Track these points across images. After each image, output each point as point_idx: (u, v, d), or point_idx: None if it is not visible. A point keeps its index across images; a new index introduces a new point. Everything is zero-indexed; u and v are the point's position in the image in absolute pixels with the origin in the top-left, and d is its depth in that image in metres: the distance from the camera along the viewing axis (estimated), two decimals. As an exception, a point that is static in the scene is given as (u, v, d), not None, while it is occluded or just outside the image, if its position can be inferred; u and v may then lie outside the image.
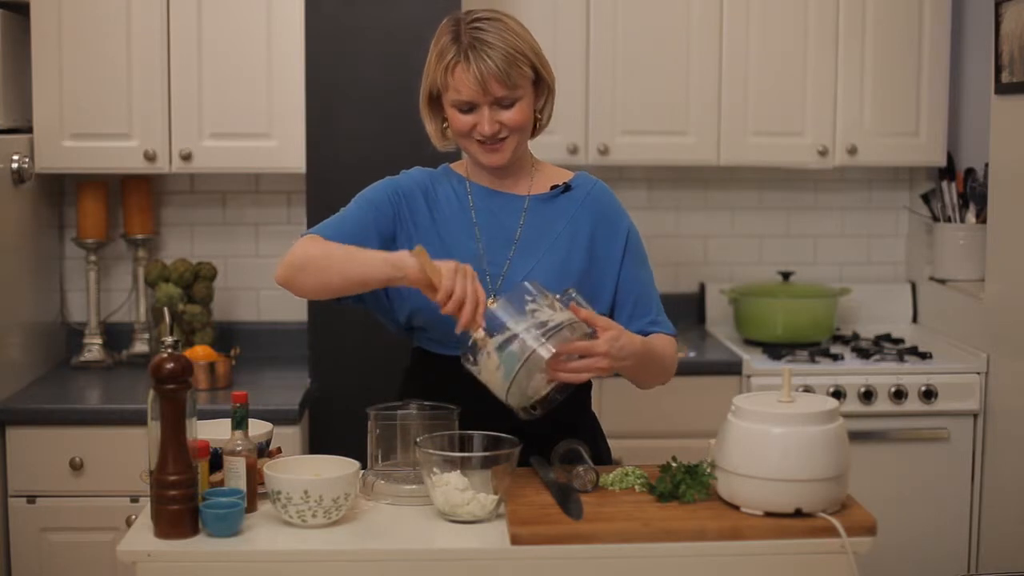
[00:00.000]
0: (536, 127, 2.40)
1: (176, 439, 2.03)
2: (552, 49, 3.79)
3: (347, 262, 2.19)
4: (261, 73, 3.55)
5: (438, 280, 2.08)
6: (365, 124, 3.40)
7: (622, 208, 2.45)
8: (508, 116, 2.29)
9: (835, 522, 2.00)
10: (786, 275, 4.07)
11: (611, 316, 2.33)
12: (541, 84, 2.35)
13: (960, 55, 3.94)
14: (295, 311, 3.83)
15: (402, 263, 2.12)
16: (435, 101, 2.36)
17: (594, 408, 2.54)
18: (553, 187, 2.41)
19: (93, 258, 3.75)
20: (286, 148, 3.55)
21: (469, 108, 2.29)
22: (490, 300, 2.20)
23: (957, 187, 3.92)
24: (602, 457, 2.46)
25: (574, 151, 3.79)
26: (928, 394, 3.57)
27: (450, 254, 2.31)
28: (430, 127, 2.40)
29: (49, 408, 3.27)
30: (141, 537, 2.03)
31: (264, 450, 2.27)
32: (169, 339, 2.06)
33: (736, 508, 2.07)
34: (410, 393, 2.39)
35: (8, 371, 3.37)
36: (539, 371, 2.11)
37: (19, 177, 3.41)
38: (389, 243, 2.34)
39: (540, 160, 2.48)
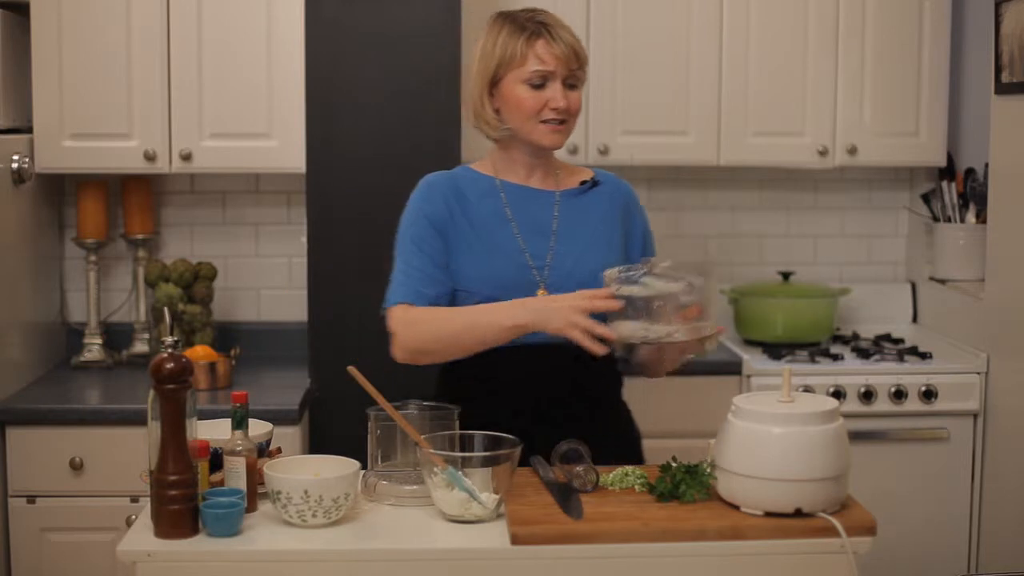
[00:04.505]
0: None
1: (176, 439, 2.03)
2: (552, 49, 3.81)
3: (470, 337, 2.30)
4: (261, 73, 3.55)
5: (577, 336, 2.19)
6: (365, 124, 3.40)
7: (642, 206, 2.56)
8: (573, 97, 2.39)
9: (835, 522, 2.00)
10: (786, 275, 4.07)
11: None
12: (584, 79, 2.46)
13: (960, 55, 3.94)
14: (295, 311, 3.83)
15: (525, 324, 2.23)
16: (493, 85, 2.41)
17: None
18: (582, 182, 2.49)
19: (93, 258, 3.75)
20: (286, 148, 3.55)
21: (542, 83, 2.35)
22: (540, 291, 2.34)
23: (957, 187, 3.92)
24: (634, 447, 2.53)
25: (574, 151, 3.79)
26: (928, 394, 3.57)
27: (493, 250, 2.38)
28: (489, 110, 2.43)
29: (49, 408, 3.27)
30: (141, 537, 2.03)
31: (264, 450, 2.27)
32: (169, 339, 2.06)
33: (736, 508, 2.07)
34: (449, 382, 2.45)
35: (8, 371, 3.37)
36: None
37: (19, 177, 3.41)
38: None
39: (562, 162, 2.56)
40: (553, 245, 2.41)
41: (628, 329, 2.16)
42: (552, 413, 2.39)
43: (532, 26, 2.37)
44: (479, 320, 2.29)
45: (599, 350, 2.17)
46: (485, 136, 2.51)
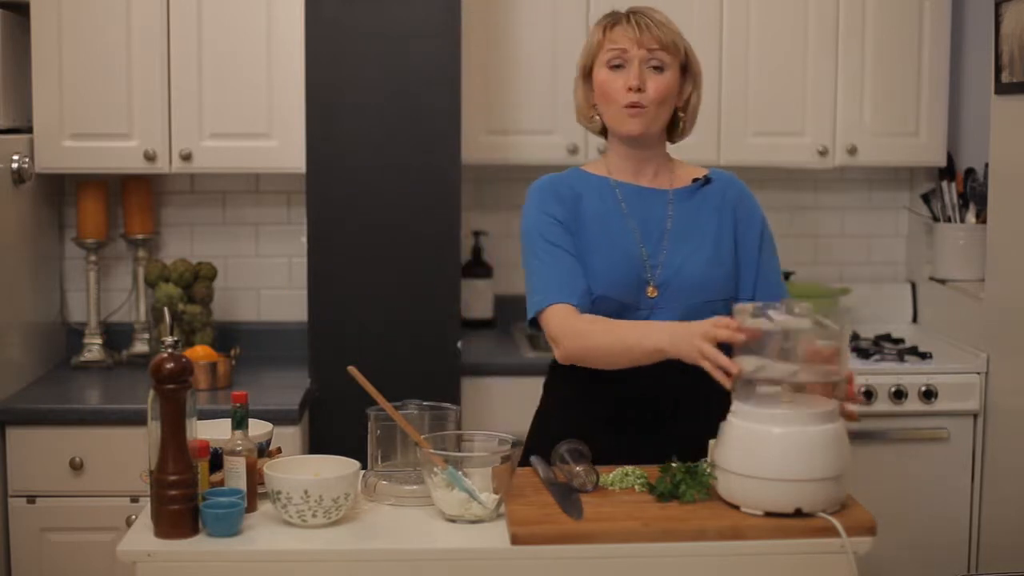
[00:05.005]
0: (679, 127, 2.50)
1: (176, 439, 2.03)
2: (552, 49, 3.81)
3: (621, 354, 2.30)
4: (261, 73, 3.55)
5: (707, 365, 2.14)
6: (365, 124, 3.40)
7: (756, 201, 2.54)
8: (655, 80, 2.39)
9: (835, 522, 2.00)
10: (786, 275, 4.07)
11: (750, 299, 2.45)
12: (688, 73, 2.46)
13: (960, 55, 3.94)
14: (295, 311, 3.83)
15: (664, 349, 2.21)
16: (587, 77, 2.47)
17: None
18: (694, 180, 2.50)
19: (93, 258, 3.75)
20: (286, 148, 3.55)
21: (619, 64, 2.39)
22: (650, 289, 2.37)
23: (957, 187, 3.92)
24: None
25: (574, 151, 3.79)
26: (928, 394, 3.57)
27: (612, 247, 2.40)
28: (580, 99, 2.50)
29: (49, 408, 3.27)
30: (141, 537, 2.03)
31: (264, 450, 2.27)
32: (169, 339, 2.06)
33: (736, 508, 2.07)
34: (565, 373, 2.46)
35: (8, 371, 3.37)
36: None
37: (19, 177, 3.40)
38: None
39: (676, 159, 2.56)
40: (666, 244, 2.43)
41: (749, 364, 2.06)
42: (674, 408, 2.40)
43: (616, 16, 2.44)
44: (629, 340, 2.29)
45: (724, 381, 2.10)
46: (591, 132, 2.56)
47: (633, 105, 2.39)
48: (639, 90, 2.38)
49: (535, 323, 2.42)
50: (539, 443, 2.37)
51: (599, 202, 2.45)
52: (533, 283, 2.42)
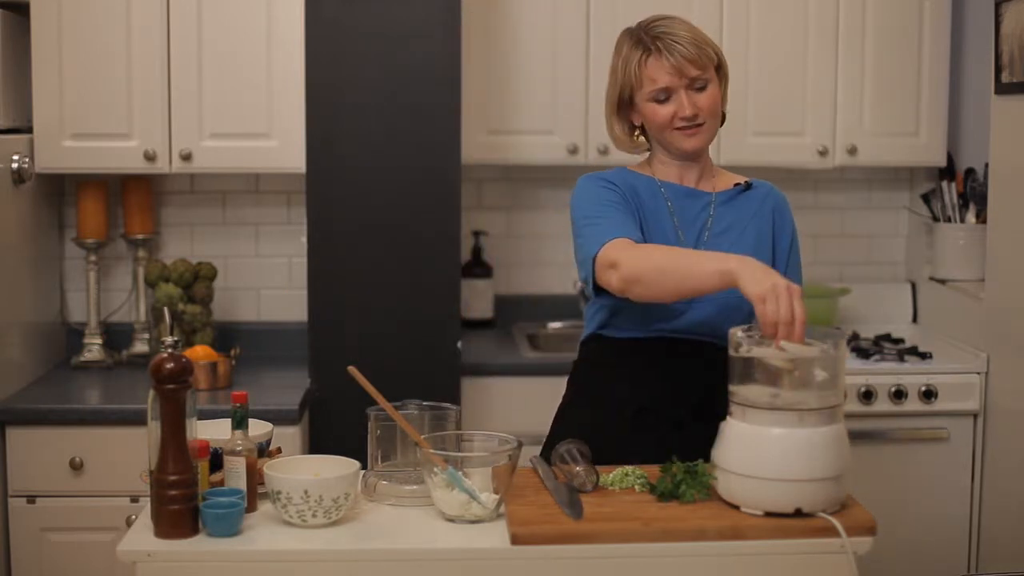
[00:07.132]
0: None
1: (176, 439, 2.03)
2: (552, 49, 3.81)
3: (683, 275, 2.20)
4: (261, 73, 3.55)
5: (761, 308, 2.06)
6: (365, 124, 3.40)
7: (792, 215, 2.58)
8: (703, 99, 2.41)
9: (835, 522, 2.00)
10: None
11: None
12: (721, 71, 2.47)
13: (960, 55, 3.94)
14: (295, 311, 3.83)
15: (731, 270, 2.12)
16: (624, 106, 2.47)
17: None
18: (736, 184, 2.53)
19: (93, 258, 3.75)
20: (286, 148, 3.55)
21: (666, 97, 2.40)
22: None
23: (957, 187, 3.92)
24: None
25: (574, 151, 3.79)
26: (928, 394, 3.57)
27: (654, 239, 2.41)
28: (617, 131, 2.51)
29: (49, 408, 3.27)
30: (141, 537, 2.03)
31: (264, 450, 2.27)
32: (169, 339, 2.06)
33: (736, 508, 2.07)
34: (583, 376, 2.50)
35: (8, 371, 3.37)
36: None
37: (19, 177, 3.41)
38: None
39: (717, 167, 2.59)
40: (707, 240, 2.45)
41: (754, 393, 2.06)
42: (699, 406, 2.39)
43: (646, 41, 2.40)
44: (693, 260, 2.22)
45: (769, 333, 2.03)
46: (635, 154, 2.57)
47: (688, 127, 2.41)
48: (694, 116, 2.40)
49: (595, 286, 2.32)
50: (562, 436, 2.36)
51: (649, 198, 2.48)
52: (587, 236, 2.34)
